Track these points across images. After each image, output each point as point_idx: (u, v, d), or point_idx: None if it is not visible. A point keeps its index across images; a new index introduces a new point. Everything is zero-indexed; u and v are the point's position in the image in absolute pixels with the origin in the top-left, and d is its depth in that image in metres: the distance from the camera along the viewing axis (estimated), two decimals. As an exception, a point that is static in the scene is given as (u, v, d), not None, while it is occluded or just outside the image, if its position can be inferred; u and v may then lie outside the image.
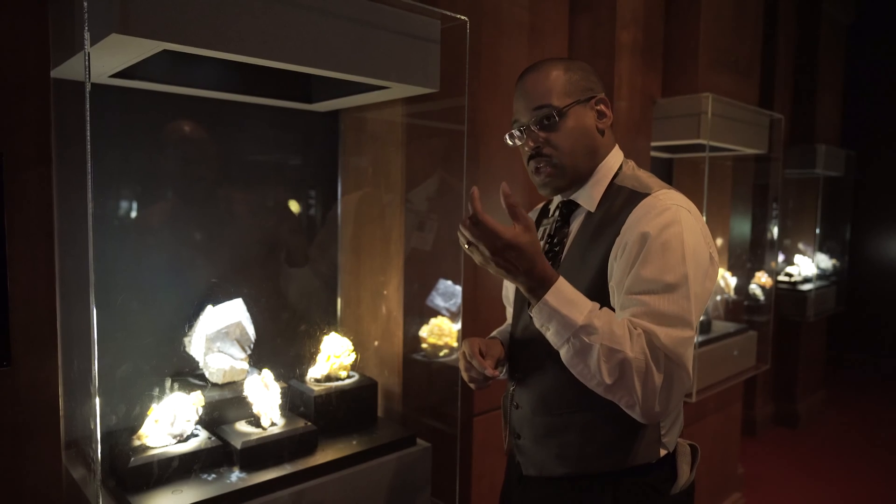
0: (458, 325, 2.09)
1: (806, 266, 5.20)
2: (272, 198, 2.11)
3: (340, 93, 1.85)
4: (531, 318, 1.33)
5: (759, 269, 4.32)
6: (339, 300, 2.30)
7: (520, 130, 1.32)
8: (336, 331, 1.99)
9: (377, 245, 2.17)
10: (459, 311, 2.06)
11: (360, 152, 2.20)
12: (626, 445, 1.26)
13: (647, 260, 1.13)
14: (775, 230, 4.46)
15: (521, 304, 1.41)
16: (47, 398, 1.52)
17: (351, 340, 1.97)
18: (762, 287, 4.17)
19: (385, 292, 2.15)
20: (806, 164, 4.82)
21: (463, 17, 1.68)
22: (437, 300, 2.16)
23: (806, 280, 5.08)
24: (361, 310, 2.25)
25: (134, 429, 1.54)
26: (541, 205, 1.56)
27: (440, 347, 2.14)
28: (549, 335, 1.14)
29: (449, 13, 1.65)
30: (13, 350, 1.45)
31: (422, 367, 2.14)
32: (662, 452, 1.29)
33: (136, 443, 1.49)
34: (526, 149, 1.33)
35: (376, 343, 2.20)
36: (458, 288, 2.09)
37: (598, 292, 1.22)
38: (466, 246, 1.14)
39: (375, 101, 1.91)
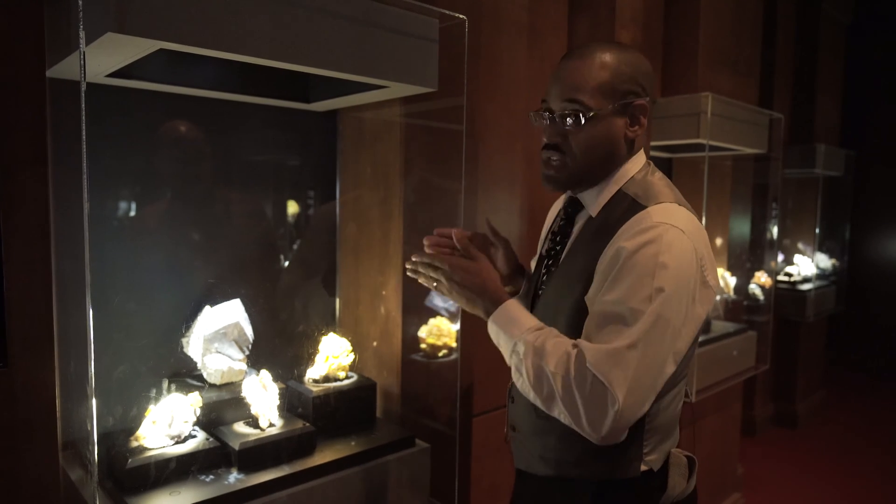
0: (457, 326, 2.09)
1: (805, 266, 5.19)
2: (270, 198, 2.10)
3: (338, 92, 1.84)
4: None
5: (758, 269, 4.31)
6: (337, 300, 2.30)
7: (544, 117, 1.24)
8: (334, 331, 1.98)
9: (376, 245, 2.17)
10: (459, 311, 2.06)
11: (359, 152, 2.19)
12: (603, 458, 1.21)
13: (614, 280, 1.10)
14: (775, 230, 4.46)
15: (527, 298, 1.41)
16: (44, 399, 1.52)
17: (349, 341, 1.96)
18: (762, 287, 4.17)
19: (384, 292, 2.14)
20: (805, 163, 4.82)
21: (461, 16, 1.68)
22: (436, 300, 2.16)
23: (805, 280, 5.07)
24: (360, 310, 2.24)
25: (132, 430, 1.53)
26: (563, 196, 1.49)
27: (439, 348, 2.14)
28: (503, 354, 1.19)
29: (447, 12, 1.64)
30: (10, 351, 1.45)
31: (421, 368, 2.14)
32: (644, 468, 1.23)
33: (134, 444, 1.49)
34: (544, 137, 1.27)
35: (375, 343, 2.20)
36: (457, 288, 2.08)
37: (583, 295, 1.19)
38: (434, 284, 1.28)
39: (374, 101, 1.91)
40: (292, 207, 2.17)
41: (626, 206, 1.20)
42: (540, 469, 1.32)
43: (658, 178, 1.27)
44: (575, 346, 1.10)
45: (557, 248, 1.33)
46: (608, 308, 1.09)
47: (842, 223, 6.04)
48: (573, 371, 1.05)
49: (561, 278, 1.28)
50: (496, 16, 2.16)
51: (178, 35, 1.16)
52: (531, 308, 1.36)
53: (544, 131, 1.26)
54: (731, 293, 3.79)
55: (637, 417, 1.07)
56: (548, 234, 1.44)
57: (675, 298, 1.08)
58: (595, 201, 1.27)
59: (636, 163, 1.28)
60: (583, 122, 1.19)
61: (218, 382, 1.73)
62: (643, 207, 1.17)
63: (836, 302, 5.52)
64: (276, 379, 1.73)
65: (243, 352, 1.77)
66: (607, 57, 1.19)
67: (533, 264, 1.66)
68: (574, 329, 1.19)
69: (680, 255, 1.09)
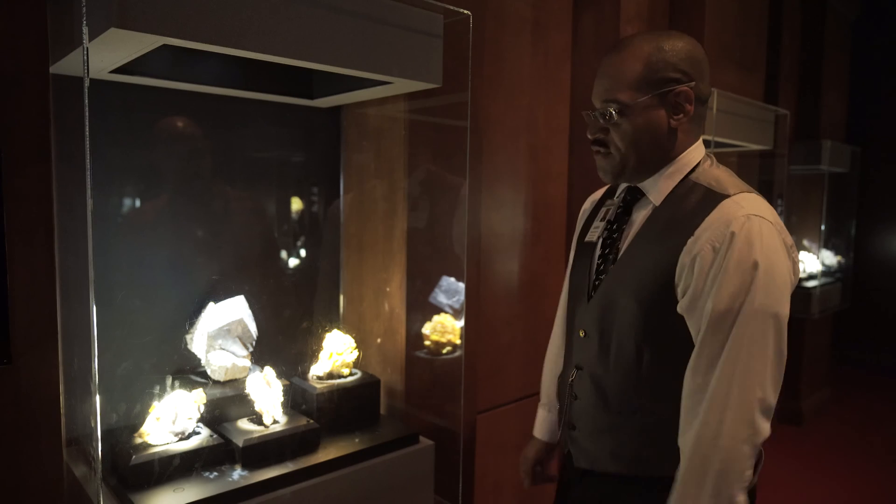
0: (462, 322, 2.08)
1: (811, 263, 5.17)
2: (274, 195, 2.10)
3: (342, 88, 1.83)
4: (589, 307, 1.32)
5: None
6: (341, 297, 2.29)
7: (589, 115, 1.28)
8: (338, 328, 1.98)
9: (380, 242, 2.16)
10: (462, 308, 2.05)
11: (363, 148, 2.18)
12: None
13: (720, 279, 1.11)
14: (780, 227, 4.43)
15: (580, 288, 1.38)
16: (48, 396, 1.52)
17: (353, 337, 1.96)
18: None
19: (388, 289, 2.14)
20: (811, 160, 4.80)
21: (466, 12, 1.67)
22: (440, 297, 2.15)
23: (811, 277, 5.05)
24: (364, 307, 2.24)
25: (135, 427, 1.53)
26: (606, 187, 1.51)
27: (443, 345, 2.13)
28: None
29: (452, 7, 1.63)
30: (13, 348, 1.44)
31: (425, 365, 2.13)
32: None
33: (138, 441, 1.48)
34: (588, 134, 1.30)
35: (379, 340, 2.20)
36: (461, 285, 2.08)
37: (660, 288, 1.20)
38: None
39: (378, 97, 1.90)
40: (296, 204, 2.17)
41: (701, 195, 1.20)
42: (609, 466, 1.30)
43: (724, 170, 1.27)
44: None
45: (615, 236, 1.32)
46: (717, 312, 1.11)
47: (847, 220, 6.01)
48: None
49: (625, 267, 1.26)
50: (500, 11, 2.15)
51: (181, 31, 1.15)
52: (588, 298, 1.33)
53: (588, 128, 1.29)
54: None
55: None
56: (597, 223, 1.42)
57: (779, 290, 1.12)
58: (657, 190, 1.26)
59: (697, 153, 1.27)
60: (616, 118, 1.21)
61: (222, 379, 1.73)
62: (723, 197, 1.17)
63: (841, 299, 5.49)
64: (279, 376, 1.73)
65: (247, 348, 1.77)
66: (643, 48, 1.20)
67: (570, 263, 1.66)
68: (638, 312, 1.22)
69: (775, 247, 1.12)
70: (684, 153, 1.25)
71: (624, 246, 1.29)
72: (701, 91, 1.23)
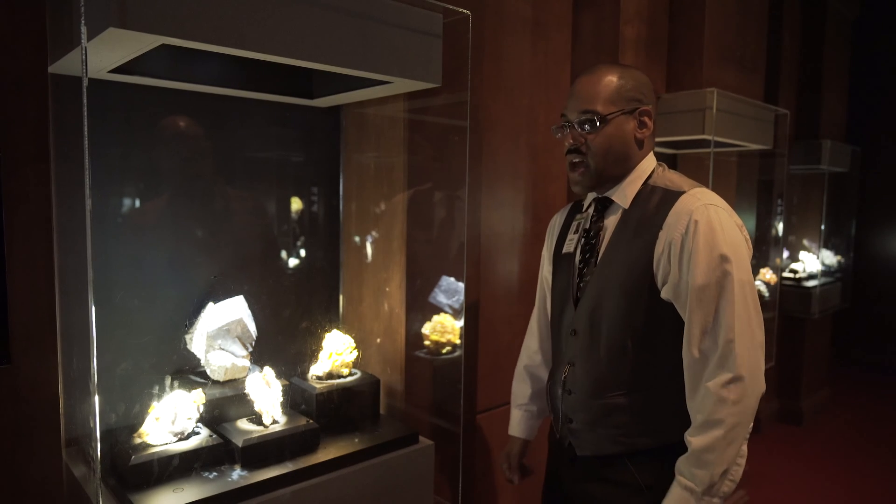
0: (461, 322, 2.08)
1: (811, 262, 5.17)
2: (273, 195, 2.10)
3: (342, 88, 1.83)
4: (575, 308, 1.47)
5: (763, 266, 4.30)
6: (340, 297, 2.29)
7: (563, 127, 1.46)
8: (338, 328, 1.98)
9: (379, 241, 2.16)
10: (462, 307, 2.05)
11: (362, 148, 2.18)
12: (675, 423, 1.37)
13: (691, 261, 1.28)
14: (780, 226, 4.44)
15: (565, 293, 1.52)
16: (47, 396, 1.52)
17: (353, 337, 1.96)
18: (767, 283, 4.15)
19: (387, 289, 2.14)
20: (811, 159, 4.79)
21: (465, 11, 1.67)
22: (440, 297, 2.15)
23: (811, 276, 5.05)
24: (363, 307, 2.24)
25: (135, 427, 1.53)
26: (570, 203, 1.68)
27: (443, 344, 2.13)
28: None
29: (451, 7, 1.63)
30: (13, 348, 1.45)
31: (424, 365, 2.13)
32: None
33: (137, 441, 1.48)
34: (566, 143, 1.46)
35: (378, 340, 2.19)
36: (461, 285, 2.08)
37: (641, 277, 1.36)
38: None
39: (377, 97, 1.90)
40: (295, 204, 2.17)
41: (661, 196, 1.39)
42: (611, 448, 1.43)
43: (676, 174, 1.47)
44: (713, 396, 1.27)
45: (592, 241, 1.48)
46: (697, 288, 1.28)
47: (847, 219, 6.00)
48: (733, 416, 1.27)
49: (608, 264, 1.42)
50: (500, 11, 2.15)
51: (180, 30, 1.15)
52: (577, 300, 1.47)
53: (565, 139, 1.46)
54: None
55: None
56: (571, 236, 1.58)
57: (745, 264, 1.30)
58: (624, 195, 1.45)
59: (650, 163, 1.47)
60: (597, 125, 1.39)
61: (221, 379, 1.73)
62: (680, 193, 1.37)
63: (841, 299, 5.49)
64: (279, 376, 1.73)
65: (246, 348, 1.77)
66: (613, 71, 1.42)
67: (544, 274, 1.77)
68: (624, 305, 1.37)
69: (732, 230, 1.31)
70: (640, 163, 1.46)
71: (602, 248, 1.46)
72: (653, 114, 1.46)
